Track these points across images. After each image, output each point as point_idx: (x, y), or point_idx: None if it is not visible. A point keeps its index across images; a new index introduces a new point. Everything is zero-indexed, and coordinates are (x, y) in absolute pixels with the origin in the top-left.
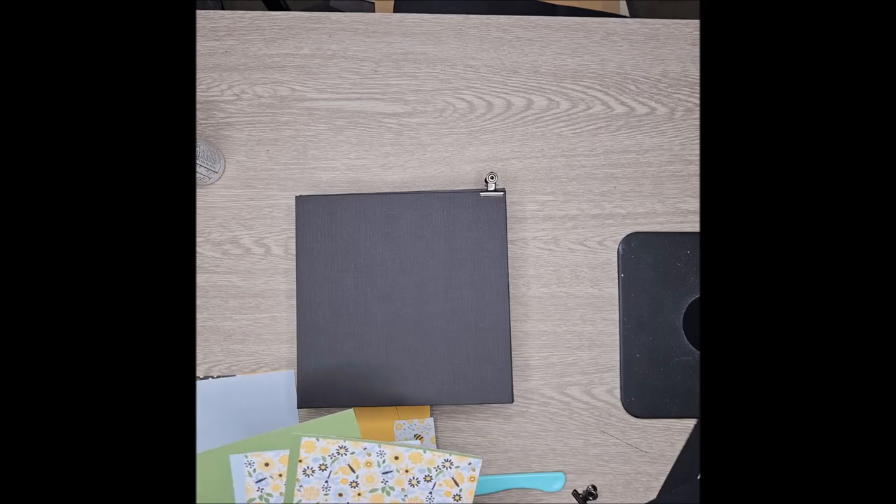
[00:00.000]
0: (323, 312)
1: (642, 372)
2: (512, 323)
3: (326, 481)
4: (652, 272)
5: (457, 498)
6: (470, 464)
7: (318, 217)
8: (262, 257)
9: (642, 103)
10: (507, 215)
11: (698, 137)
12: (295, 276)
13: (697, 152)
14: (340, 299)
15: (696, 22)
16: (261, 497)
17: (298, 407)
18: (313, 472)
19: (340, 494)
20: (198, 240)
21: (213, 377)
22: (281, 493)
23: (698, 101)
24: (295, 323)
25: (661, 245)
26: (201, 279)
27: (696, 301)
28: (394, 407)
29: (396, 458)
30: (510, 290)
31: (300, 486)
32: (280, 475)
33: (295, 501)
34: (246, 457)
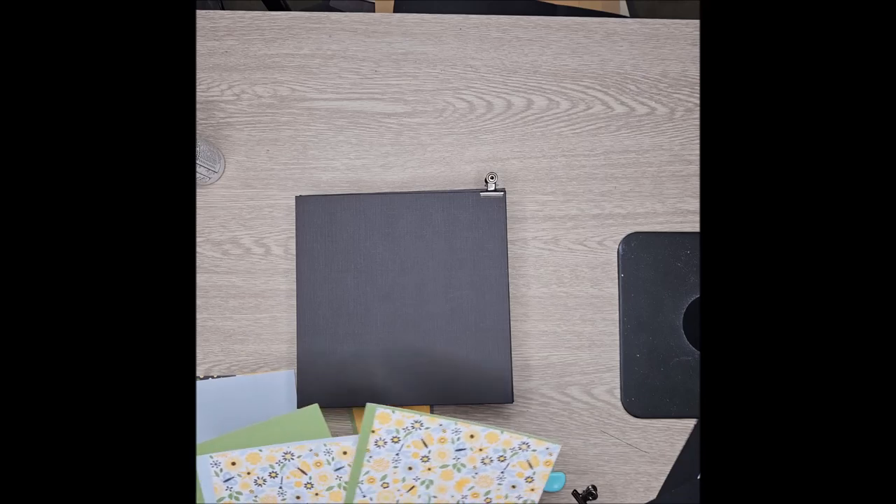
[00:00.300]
0: (323, 312)
1: (642, 372)
2: (512, 323)
3: (397, 454)
4: (652, 272)
5: (529, 480)
6: (547, 448)
7: (318, 217)
8: (262, 257)
9: (642, 103)
10: (507, 215)
11: (698, 137)
12: (295, 276)
13: (697, 152)
14: (340, 299)
15: (696, 22)
16: (230, 496)
17: (298, 407)
18: (385, 443)
19: (410, 468)
20: (198, 240)
21: (213, 377)
22: (251, 491)
23: (698, 101)
24: (295, 323)
25: (661, 245)
26: (201, 279)
27: (696, 301)
28: (394, 407)
29: (472, 436)
30: (510, 290)
31: (370, 456)
32: (248, 473)
33: (363, 472)
34: (211, 457)
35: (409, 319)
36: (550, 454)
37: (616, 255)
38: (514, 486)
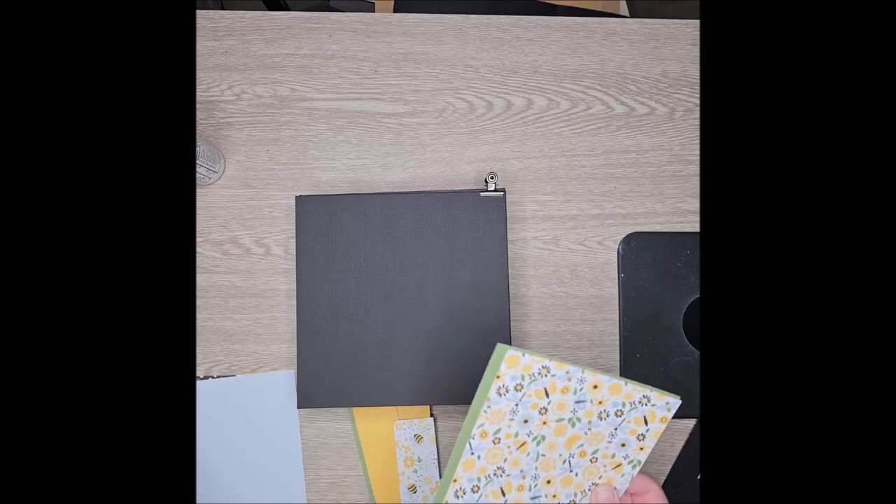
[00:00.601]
0: (323, 312)
1: (642, 372)
2: (512, 323)
3: (517, 404)
4: (652, 272)
5: (640, 437)
6: (667, 403)
7: (318, 217)
8: (262, 257)
9: (642, 103)
10: (507, 215)
11: (698, 137)
12: (295, 276)
13: (697, 152)
14: (340, 299)
15: (696, 22)
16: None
17: (298, 407)
18: (507, 391)
19: (525, 421)
20: (198, 240)
21: (213, 377)
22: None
23: (698, 101)
24: (295, 323)
25: (661, 245)
26: (201, 279)
27: (696, 301)
28: (394, 407)
29: (595, 387)
30: (510, 290)
31: (488, 406)
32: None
33: (477, 424)
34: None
35: (409, 319)
36: (669, 409)
37: (616, 255)
38: (623, 445)
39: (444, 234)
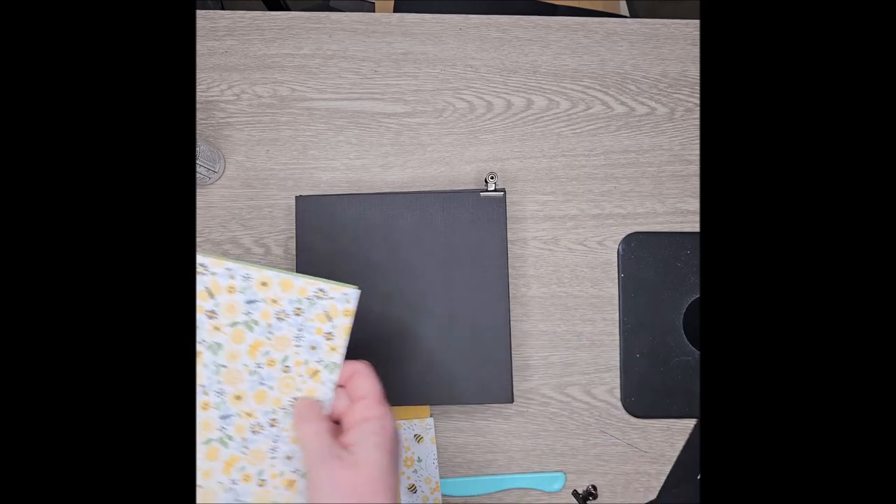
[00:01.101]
0: None
1: (642, 372)
2: (512, 323)
3: None
4: (652, 272)
5: (329, 336)
6: (345, 294)
7: (318, 217)
8: (262, 257)
9: (642, 103)
10: (507, 215)
11: (698, 137)
12: None
13: (697, 152)
14: None
15: (696, 22)
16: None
17: None
18: None
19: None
20: (198, 240)
21: None
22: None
23: (698, 101)
24: None
25: (661, 245)
26: None
27: (696, 301)
28: (394, 407)
29: (264, 284)
30: (510, 290)
31: None
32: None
33: None
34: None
35: (408, 319)
36: (348, 301)
37: (616, 255)
38: (313, 348)
39: (444, 234)
